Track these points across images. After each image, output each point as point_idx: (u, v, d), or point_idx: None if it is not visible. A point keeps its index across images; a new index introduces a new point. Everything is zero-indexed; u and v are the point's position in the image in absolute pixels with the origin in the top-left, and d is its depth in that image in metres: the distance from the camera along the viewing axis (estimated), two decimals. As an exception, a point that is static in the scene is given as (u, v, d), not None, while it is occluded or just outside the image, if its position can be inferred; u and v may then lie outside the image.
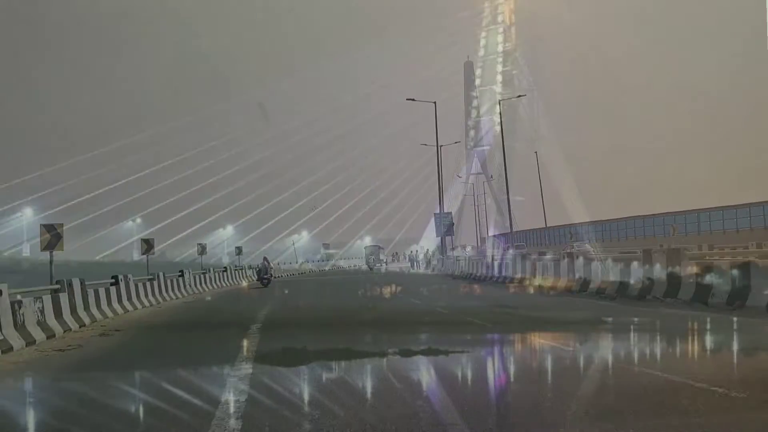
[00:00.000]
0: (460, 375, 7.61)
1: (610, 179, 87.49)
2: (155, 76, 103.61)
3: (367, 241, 77.17)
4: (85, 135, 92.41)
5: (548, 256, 24.03)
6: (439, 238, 55.05)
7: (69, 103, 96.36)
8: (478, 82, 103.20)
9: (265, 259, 32.05)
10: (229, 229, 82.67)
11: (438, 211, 55.20)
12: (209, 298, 22.41)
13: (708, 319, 11.75)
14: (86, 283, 13.82)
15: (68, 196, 70.75)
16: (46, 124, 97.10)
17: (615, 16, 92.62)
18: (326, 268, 60.33)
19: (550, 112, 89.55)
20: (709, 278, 14.15)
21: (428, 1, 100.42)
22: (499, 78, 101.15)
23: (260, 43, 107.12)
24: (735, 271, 13.53)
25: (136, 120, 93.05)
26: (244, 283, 32.17)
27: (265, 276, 30.24)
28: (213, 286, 27.45)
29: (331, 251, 74.37)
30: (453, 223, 54.68)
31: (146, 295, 18.38)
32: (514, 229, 70.15)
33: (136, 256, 37.78)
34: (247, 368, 7.55)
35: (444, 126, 58.60)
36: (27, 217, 68.31)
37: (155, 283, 19.62)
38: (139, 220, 77.75)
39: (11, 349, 9.53)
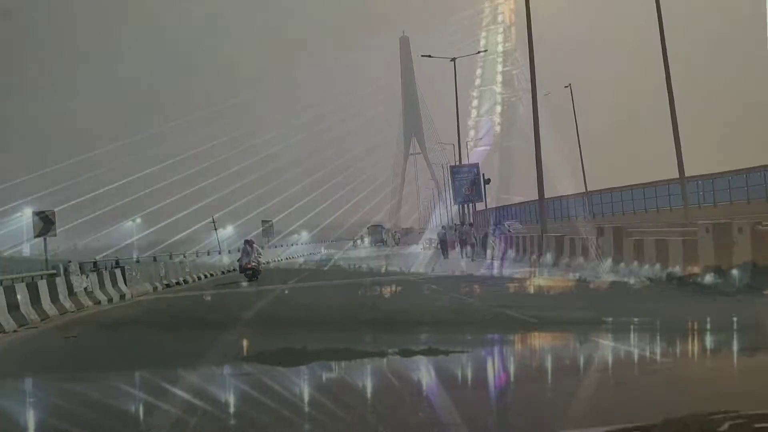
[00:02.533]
0: (460, 375, 7.58)
1: (611, 175, 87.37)
2: (156, 76, 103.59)
3: (367, 242, 77.21)
4: (85, 135, 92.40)
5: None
6: (458, 207, 41.62)
7: (69, 103, 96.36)
8: (471, 76, 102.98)
9: (247, 242, 24.52)
10: (230, 229, 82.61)
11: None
12: None
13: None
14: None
15: (68, 196, 70.81)
16: (46, 124, 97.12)
17: (614, 14, 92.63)
18: (325, 268, 60.10)
19: (549, 111, 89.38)
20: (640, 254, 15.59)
21: (428, 1, 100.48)
22: (499, 78, 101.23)
23: (262, 42, 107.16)
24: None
25: (136, 120, 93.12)
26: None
27: (249, 266, 23.23)
28: None
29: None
30: (489, 180, 38.81)
31: None
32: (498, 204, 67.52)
33: (135, 255, 37.69)
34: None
35: (443, 121, 58.61)
36: (27, 217, 68.21)
37: None
38: (139, 220, 77.76)
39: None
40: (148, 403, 6.29)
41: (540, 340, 9.87)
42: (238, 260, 24.22)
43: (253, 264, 23.20)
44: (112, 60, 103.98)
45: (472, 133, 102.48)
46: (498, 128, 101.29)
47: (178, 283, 23.43)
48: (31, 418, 6.15)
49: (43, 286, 13.99)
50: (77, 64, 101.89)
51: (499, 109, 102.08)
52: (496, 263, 25.13)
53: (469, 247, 30.40)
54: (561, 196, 48.91)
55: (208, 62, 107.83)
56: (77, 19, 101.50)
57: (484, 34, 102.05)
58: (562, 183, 49.86)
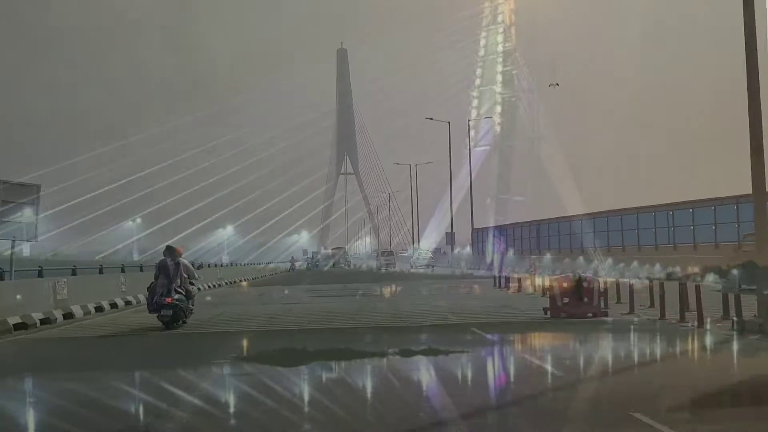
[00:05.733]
0: (460, 375, 7.59)
1: (611, 175, 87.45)
2: (155, 76, 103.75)
3: (368, 241, 77.17)
4: (86, 135, 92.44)
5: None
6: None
7: (69, 103, 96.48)
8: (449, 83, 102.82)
9: (168, 254, 13.51)
10: (229, 229, 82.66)
11: None
12: None
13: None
14: None
15: (68, 196, 70.76)
16: (45, 124, 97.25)
17: (614, 14, 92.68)
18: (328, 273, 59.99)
19: (550, 111, 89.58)
20: None
21: (428, 1, 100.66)
22: (499, 78, 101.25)
23: (260, 44, 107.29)
24: None
25: (136, 120, 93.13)
26: None
27: (168, 302, 12.88)
28: None
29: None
30: None
31: None
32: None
33: (136, 255, 37.57)
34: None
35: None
36: (27, 217, 68.21)
37: None
38: (139, 220, 77.76)
39: None
40: (147, 403, 6.29)
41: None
42: (148, 287, 13.45)
43: (177, 297, 12.96)
44: (111, 60, 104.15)
45: (472, 133, 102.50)
46: (498, 128, 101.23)
47: (45, 321, 13.70)
48: None
49: None
50: (76, 65, 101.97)
51: (499, 109, 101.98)
52: None
53: None
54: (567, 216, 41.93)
55: (207, 61, 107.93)
56: (76, 19, 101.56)
57: (484, 34, 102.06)
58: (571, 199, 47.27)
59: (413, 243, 73.88)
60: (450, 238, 57.15)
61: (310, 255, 72.37)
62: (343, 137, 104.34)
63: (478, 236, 56.45)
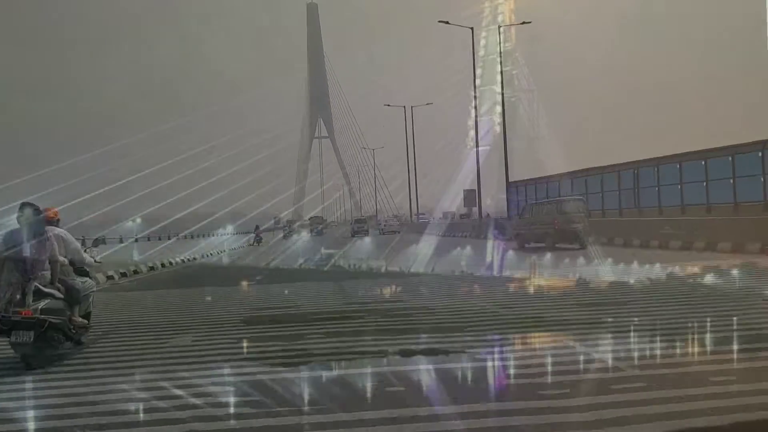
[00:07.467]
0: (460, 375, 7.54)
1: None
2: (155, 77, 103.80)
3: (368, 241, 77.34)
4: (86, 135, 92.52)
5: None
6: None
7: (69, 103, 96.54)
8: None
9: (25, 217, 7.79)
10: (230, 229, 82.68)
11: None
12: None
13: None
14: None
15: (68, 196, 70.82)
16: (46, 124, 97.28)
17: (613, 14, 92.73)
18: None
19: (550, 110, 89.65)
20: None
21: (429, 1, 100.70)
22: (499, 78, 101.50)
23: (257, 47, 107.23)
24: None
25: (136, 120, 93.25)
26: None
27: (25, 314, 6.63)
28: None
29: None
30: None
31: None
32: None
33: (136, 256, 37.58)
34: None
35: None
36: (27, 217, 68.26)
37: None
38: (138, 220, 77.82)
39: None
40: (145, 402, 6.25)
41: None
42: None
43: (45, 305, 6.93)
44: (111, 61, 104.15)
45: (471, 132, 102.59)
46: (498, 128, 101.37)
47: None
48: None
49: None
50: (76, 65, 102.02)
51: (498, 109, 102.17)
52: None
53: None
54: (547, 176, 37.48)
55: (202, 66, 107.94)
56: (76, 21, 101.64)
57: (484, 34, 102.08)
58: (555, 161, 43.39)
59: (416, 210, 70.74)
60: (472, 197, 42.45)
61: (285, 223, 71.05)
62: (316, 99, 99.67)
63: (517, 193, 42.19)
